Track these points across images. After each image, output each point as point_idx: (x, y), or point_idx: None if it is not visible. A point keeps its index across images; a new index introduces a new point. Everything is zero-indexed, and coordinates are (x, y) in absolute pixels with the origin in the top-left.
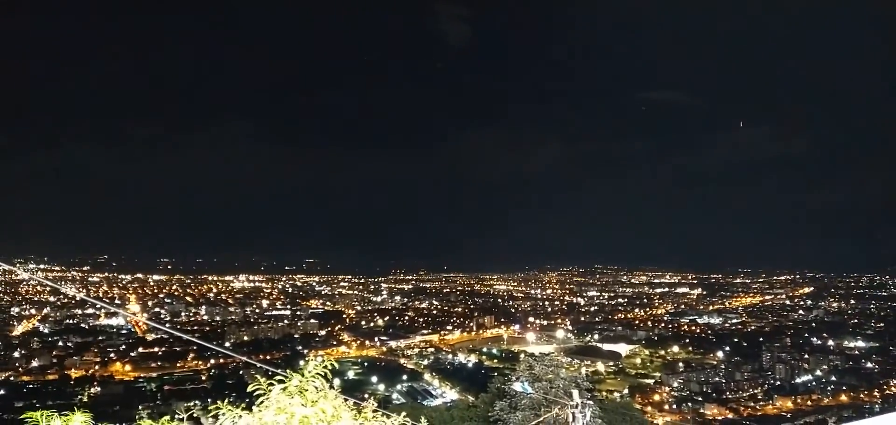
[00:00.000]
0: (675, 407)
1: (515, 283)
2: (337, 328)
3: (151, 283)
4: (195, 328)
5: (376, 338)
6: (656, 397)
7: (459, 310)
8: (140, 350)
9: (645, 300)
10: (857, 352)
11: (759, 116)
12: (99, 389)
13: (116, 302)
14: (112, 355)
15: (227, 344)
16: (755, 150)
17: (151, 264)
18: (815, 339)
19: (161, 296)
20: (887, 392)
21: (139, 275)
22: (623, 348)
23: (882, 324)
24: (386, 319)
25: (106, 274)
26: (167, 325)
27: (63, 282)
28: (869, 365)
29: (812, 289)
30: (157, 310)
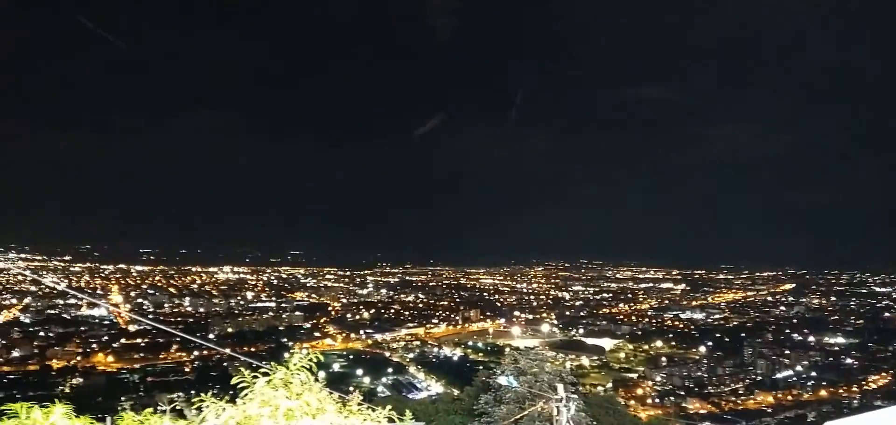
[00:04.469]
0: (657, 400)
1: (501, 277)
2: (322, 320)
3: (134, 274)
4: (179, 319)
5: (362, 331)
6: (639, 391)
7: (445, 303)
8: (122, 341)
9: (629, 295)
10: (837, 349)
11: (750, 114)
12: (81, 380)
13: (98, 292)
14: (94, 346)
15: (211, 336)
16: (743, 148)
17: (134, 255)
18: (795, 335)
19: (144, 286)
20: (866, 388)
21: (122, 266)
22: (607, 342)
23: (862, 321)
24: (371, 312)
25: (88, 264)
26: (150, 317)
27: (44, 272)
28: (848, 361)
29: (793, 285)
30: (139, 301)
